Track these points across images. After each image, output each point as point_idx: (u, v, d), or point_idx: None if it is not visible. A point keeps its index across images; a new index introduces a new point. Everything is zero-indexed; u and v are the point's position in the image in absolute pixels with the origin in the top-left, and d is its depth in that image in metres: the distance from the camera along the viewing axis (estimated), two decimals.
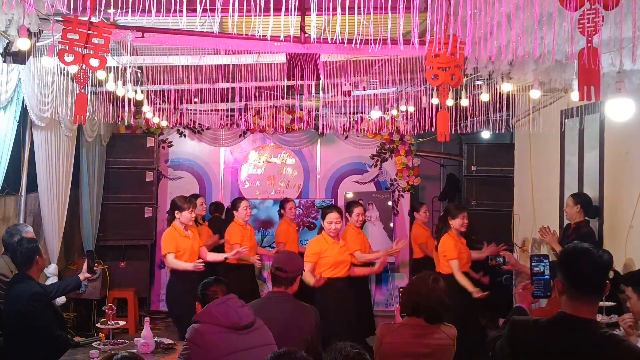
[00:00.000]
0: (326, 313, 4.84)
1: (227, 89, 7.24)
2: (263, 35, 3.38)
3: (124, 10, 3.16)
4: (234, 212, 7.20)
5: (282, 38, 3.27)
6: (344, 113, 8.57)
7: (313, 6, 3.12)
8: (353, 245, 6.23)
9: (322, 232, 5.95)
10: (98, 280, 7.51)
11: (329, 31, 4.24)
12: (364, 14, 2.98)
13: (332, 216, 5.83)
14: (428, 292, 3.56)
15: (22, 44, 3.99)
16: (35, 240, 4.83)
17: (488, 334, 3.38)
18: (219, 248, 7.31)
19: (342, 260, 5.82)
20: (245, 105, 8.61)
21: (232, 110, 8.84)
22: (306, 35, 4.15)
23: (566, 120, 6.64)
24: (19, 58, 4.42)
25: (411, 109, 7.40)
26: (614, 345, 2.40)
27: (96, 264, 5.20)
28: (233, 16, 2.96)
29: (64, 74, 5.60)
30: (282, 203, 7.97)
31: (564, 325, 2.46)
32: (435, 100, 5.96)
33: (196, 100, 7.42)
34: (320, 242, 5.86)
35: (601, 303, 4.30)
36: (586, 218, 5.79)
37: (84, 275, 5.12)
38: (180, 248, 5.95)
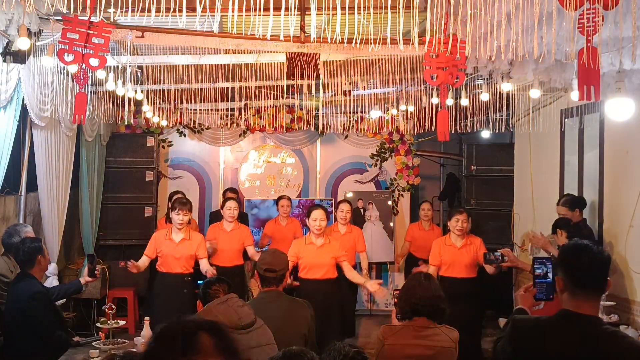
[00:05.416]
0: None
1: (227, 88, 7.24)
2: (263, 35, 3.38)
3: (124, 10, 3.16)
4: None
5: (282, 38, 3.27)
6: (344, 113, 8.56)
7: (313, 6, 3.12)
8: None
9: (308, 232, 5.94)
10: (98, 280, 7.49)
11: (328, 31, 4.24)
12: (364, 13, 2.98)
13: (317, 213, 5.79)
14: (424, 292, 3.56)
15: (22, 43, 3.98)
16: (38, 239, 4.82)
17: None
18: None
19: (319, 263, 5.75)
20: (245, 104, 8.60)
21: (232, 109, 8.84)
22: (306, 35, 4.15)
23: (566, 120, 6.64)
24: (19, 58, 4.42)
25: (411, 108, 7.40)
26: (616, 341, 2.39)
27: (97, 269, 5.17)
28: (233, 16, 2.96)
29: (63, 74, 5.59)
30: (276, 201, 8.07)
31: (566, 322, 2.45)
32: (435, 100, 5.97)
33: (197, 104, 7.40)
34: (299, 243, 5.88)
35: (601, 303, 4.31)
36: (584, 217, 5.80)
37: (84, 279, 5.11)
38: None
